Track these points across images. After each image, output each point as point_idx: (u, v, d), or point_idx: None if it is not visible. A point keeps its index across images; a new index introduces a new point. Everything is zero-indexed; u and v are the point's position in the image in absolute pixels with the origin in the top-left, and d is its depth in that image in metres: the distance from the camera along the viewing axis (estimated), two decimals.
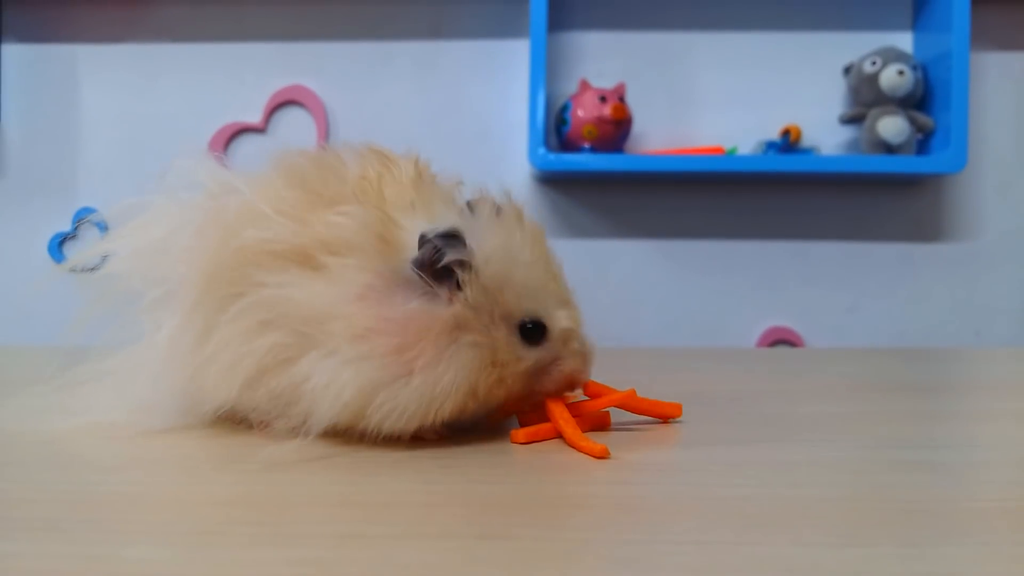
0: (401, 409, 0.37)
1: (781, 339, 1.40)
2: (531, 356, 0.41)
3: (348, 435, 0.42)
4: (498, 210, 0.42)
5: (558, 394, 0.43)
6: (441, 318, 0.38)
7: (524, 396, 0.42)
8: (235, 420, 0.45)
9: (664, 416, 0.47)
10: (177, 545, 0.27)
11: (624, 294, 1.41)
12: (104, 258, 0.46)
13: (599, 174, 1.35)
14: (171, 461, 0.39)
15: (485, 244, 0.39)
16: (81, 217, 1.45)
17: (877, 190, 1.40)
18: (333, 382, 0.37)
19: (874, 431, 0.46)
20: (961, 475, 0.37)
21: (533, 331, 0.41)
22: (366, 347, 0.37)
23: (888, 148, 1.29)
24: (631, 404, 0.46)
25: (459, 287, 0.38)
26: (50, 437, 0.42)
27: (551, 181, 1.41)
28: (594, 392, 0.46)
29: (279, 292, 0.38)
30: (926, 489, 0.33)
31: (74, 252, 1.45)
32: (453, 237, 0.38)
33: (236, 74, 1.44)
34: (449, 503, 0.31)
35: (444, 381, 0.37)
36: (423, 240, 0.38)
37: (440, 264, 0.38)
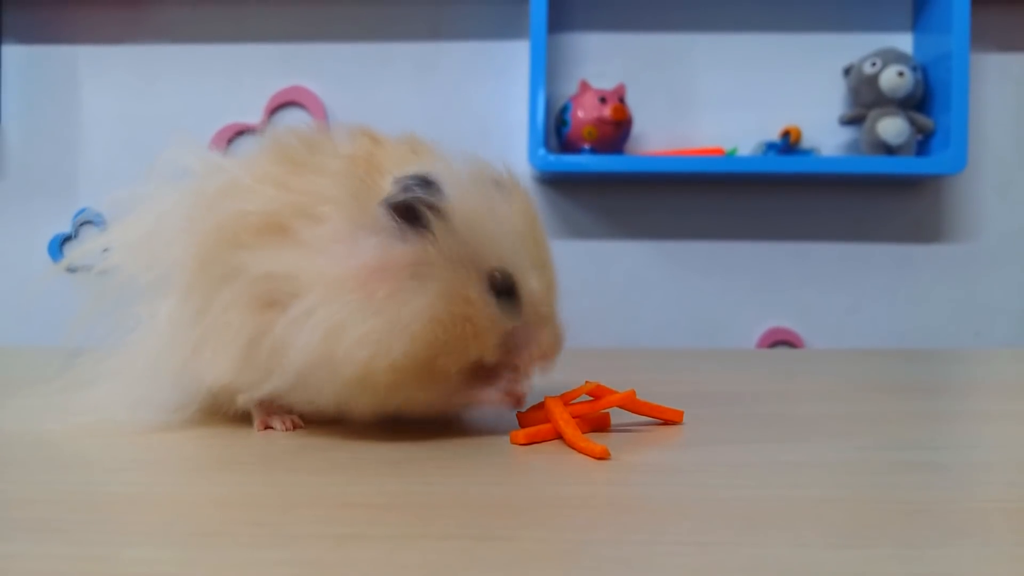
0: (366, 335, 0.37)
1: (781, 340, 1.40)
2: (498, 308, 0.40)
3: (348, 434, 0.42)
4: (488, 173, 0.42)
5: (529, 365, 0.42)
6: (404, 253, 0.38)
7: (496, 363, 0.42)
8: (237, 419, 0.45)
9: (666, 419, 0.47)
10: (177, 546, 0.27)
11: (624, 295, 1.41)
12: (101, 254, 0.46)
13: (599, 175, 1.35)
14: (171, 462, 0.39)
15: (459, 192, 0.40)
16: (80, 217, 1.45)
17: (877, 191, 1.40)
18: (301, 331, 0.37)
19: (874, 432, 0.46)
20: (961, 476, 0.37)
21: (501, 283, 0.40)
22: (331, 292, 0.37)
23: (888, 149, 1.29)
24: (633, 405, 0.46)
25: (426, 228, 0.39)
26: (50, 438, 0.42)
27: (551, 182, 1.41)
28: (595, 393, 0.46)
29: (258, 269, 0.39)
30: (926, 490, 0.33)
31: (72, 251, 1.45)
32: (425, 181, 0.39)
33: (236, 75, 1.44)
34: (449, 504, 0.31)
35: (409, 308, 0.37)
36: (395, 182, 0.39)
37: (405, 201, 0.38)
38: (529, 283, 0.41)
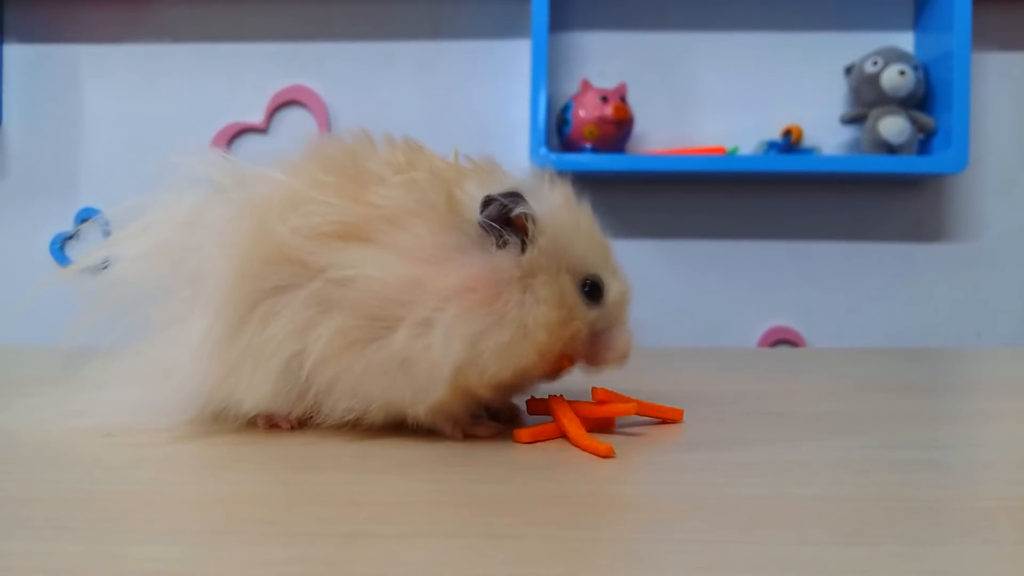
0: (504, 348, 0.38)
1: (782, 339, 1.40)
2: (592, 313, 0.42)
3: (354, 433, 0.42)
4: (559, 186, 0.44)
5: (611, 365, 0.44)
6: (517, 265, 0.39)
7: (583, 358, 0.44)
8: (243, 419, 0.45)
9: (666, 419, 0.47)
10: (186, 543, 0.27)
11: None
12: (110, 261, 0.46)
13: (600, 174, 1.35)
14: (179, 460, 0.39)
15: (548, 204, 0.42)
16: (83, 218, 1.45)
17: (878, 190, 1.40)
18: (437, 344, 0.38)
19: (876, 431, 0.46)
20: (964, 475, 0.37)
21: (592, 291, 0.43)
22: (460, 304, 0.38)
23: (889, 148, 1.29)
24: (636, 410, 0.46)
25: (525, 241, 0.40)
26: (57, 437, 0.42)
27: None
28: (601, 398, 0.46)
29: (344, 273, 0.39)
30: (929, 488, 0.34)
31: (78, 253, 1.45)
32: (518, 195, 0.40)
33: (238, 74, 1.44)
34: (456, 502, 0.31)
35: (532, 317, 0.39)
36: (489, 200, 0.40)
37: (511, 216, 0.40)
38: (615, 288, 0.44)
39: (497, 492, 0.32)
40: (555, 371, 0.43)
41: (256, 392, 0.41)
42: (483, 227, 0.39)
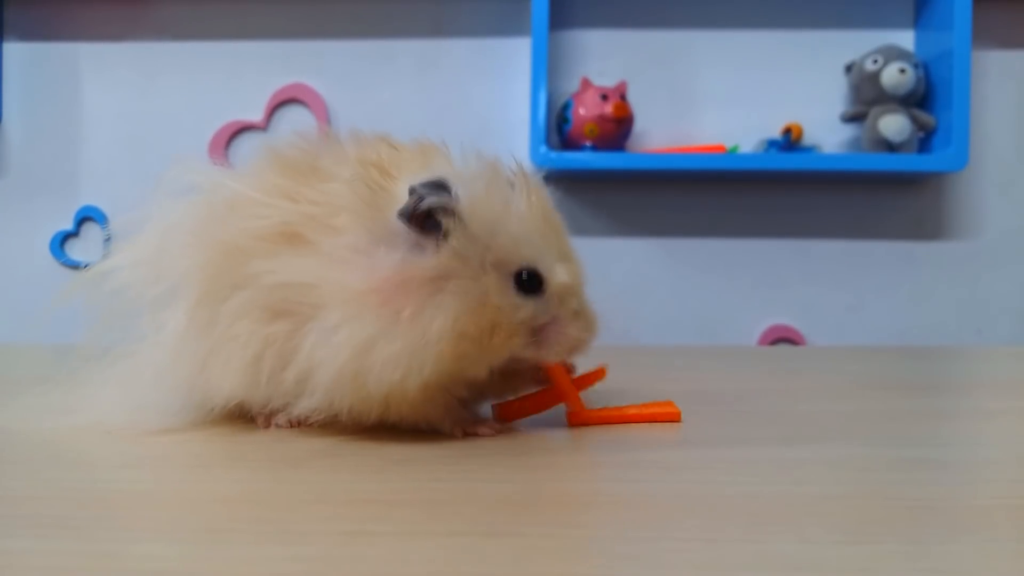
0: (395, 360, 0.36)
1: (782, 337, 1.40)
2: (528, 307, 0.40)
3: (355, 432, 0.42)
4: (501, 171, 0.41)
5: (558, 359, 0.42)
6: (425, 267, 0.37)
7: (526, 362, 0.42)
8: (243, 417, 0.46)
9: (663, 417, 0.47)
10: (185, 542, 0.27)
11: (625, 292, 1.41)
12: (110, 273, 0.46)
13: (601, 172, 1.35)
14: (178, 459, 0.39)
15: (474, 192, 0.39)
16: (83, 216, 1.45)
17: (878, 188, 1.40)
18: (328, 348, 0.37)
19: (877, 429, 0.46)
20: (964, 473, 0.37)
21: (529, 281, 0.40)
22: (355, 308, 0.37)
23: (889, 146, 1.29)
24: (627, 416, 0.46)
25: (445, 236, 0.38)
26: (56, 436, 0.42)
27: (553, 179, 1.41)
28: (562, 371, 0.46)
29: (273, 279, 0.39)
30: (930, 487, 0.34)
31: (78, 252, 1.45)
32: (438, 186, 0.38)
33: (237, 72, 1.44)
34: (455, 501, 0.31)
35: (433, 327, 0.36)
36: (410, 191, 0.38)
37: (421, 210, 0.37)
38: (556, 276, 0.40)
39: (497, 491, 0.32)
40: (514, 374, 0.42)
41: (228, 384, 0.41)
42: (401, 220, 0.38)
